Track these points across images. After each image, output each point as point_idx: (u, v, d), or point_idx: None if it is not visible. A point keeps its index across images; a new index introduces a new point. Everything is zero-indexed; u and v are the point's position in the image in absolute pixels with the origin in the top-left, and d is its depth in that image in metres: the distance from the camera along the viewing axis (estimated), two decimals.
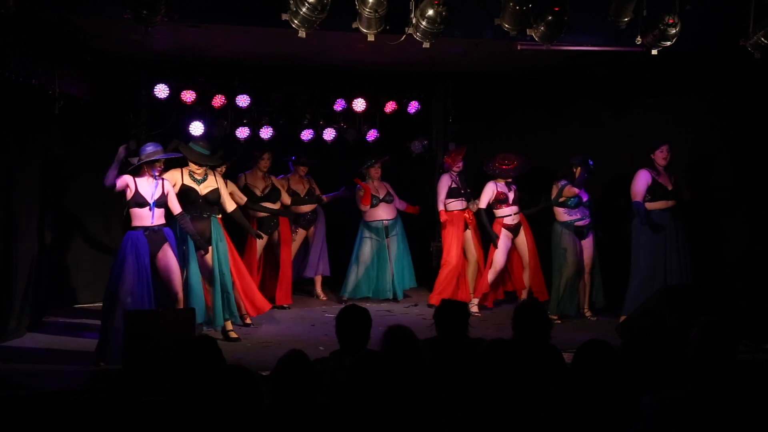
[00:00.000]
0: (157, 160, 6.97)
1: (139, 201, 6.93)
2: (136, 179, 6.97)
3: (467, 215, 9.18)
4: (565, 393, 3.70)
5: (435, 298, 8.79)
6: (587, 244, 8.60)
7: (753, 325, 7.28)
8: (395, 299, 9.49)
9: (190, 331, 6.13)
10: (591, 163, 8.48)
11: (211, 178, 7.57)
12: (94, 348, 6.72)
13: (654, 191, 8.06)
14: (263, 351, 7.07)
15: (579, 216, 8.52)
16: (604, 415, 3.36)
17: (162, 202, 7.04)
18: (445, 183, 9.21)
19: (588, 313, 8.65)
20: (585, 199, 8.53)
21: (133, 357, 5.87)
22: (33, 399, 5.60)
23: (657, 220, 8.02)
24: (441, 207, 9.19)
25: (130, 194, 6.93)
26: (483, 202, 8.90)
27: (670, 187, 8.08)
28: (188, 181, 7.49)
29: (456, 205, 9.20)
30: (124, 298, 6.67)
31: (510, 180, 8.86)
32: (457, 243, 9.14)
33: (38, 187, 7.84)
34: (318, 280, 9.76)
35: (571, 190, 8.43)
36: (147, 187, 6.98)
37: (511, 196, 8.86)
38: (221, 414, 3.25)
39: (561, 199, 8.49)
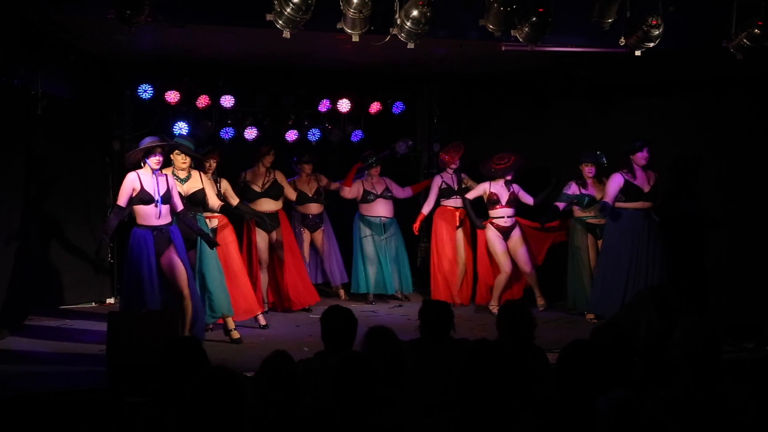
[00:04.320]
0: (156, 147, 6.73)
1: (145, 198, 6.70)
2: (140, 176, 6.74)
3: (459, 213, 9.17)
4: (550, 393, 3.70)
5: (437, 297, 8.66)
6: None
7: (735, 325, 7.32)
8: (401, 297, 9.50)
9: (174, 332, 6.10)
10: (600, 157, 8.53)
11: (195, 177, 7.41)
12: (77, 350, 6.68)
13: (628, 193, 8.07)
14: (247, 352, 7.04)
15: (593, 213, 8.47)
16: (588, 415, 3.36)
17: (168, 197, 6.82)
18: (435, 185, 9.24)
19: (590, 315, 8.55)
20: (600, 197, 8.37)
21: (116, 359, 5.85)
22: (16, 401, 5.57)
23: (630, 221, 8.04)
24: (424, 209, 9.23)
25: (135, 192, 6.72)
26: (470, 195, 8.94)
27: (646, 189, 8.07)
28: None
29: (449, 203, 9.23)
30: (142, 293, 6.58)
31: (508, 179, 8.82)
32: (450, 239, 9.15)
33: (21, 187, 7.77)
34: (339, 285, 9.68)
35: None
36: (151, 183, 6.75)
37: (504, 197, 8.78)
38: (206, 415, 3.24)
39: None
